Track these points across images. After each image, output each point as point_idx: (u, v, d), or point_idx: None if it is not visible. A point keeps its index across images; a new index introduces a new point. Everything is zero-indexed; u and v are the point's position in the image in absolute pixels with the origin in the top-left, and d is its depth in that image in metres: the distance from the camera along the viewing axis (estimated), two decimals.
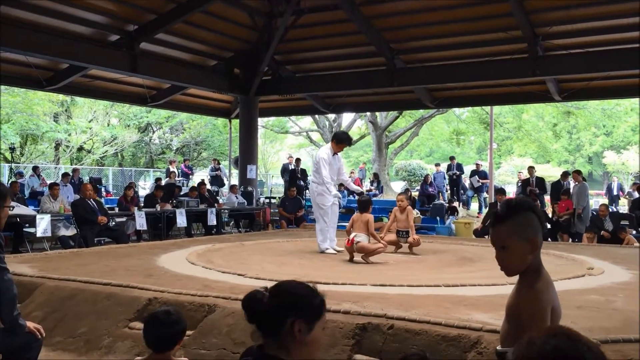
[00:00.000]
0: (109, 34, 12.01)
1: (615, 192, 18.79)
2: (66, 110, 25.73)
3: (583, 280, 5.57)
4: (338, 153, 7.97)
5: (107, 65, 11.92)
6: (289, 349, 1.69)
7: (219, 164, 19.16)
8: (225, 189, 18.12)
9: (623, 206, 18.89)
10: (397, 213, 7.92)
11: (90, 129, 25.40)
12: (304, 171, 17.02)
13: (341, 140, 7.94)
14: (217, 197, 15.38)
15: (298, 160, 17.15)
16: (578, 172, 12.47)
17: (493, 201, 12.54)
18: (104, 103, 23.84)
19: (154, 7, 11.73)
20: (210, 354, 3.93)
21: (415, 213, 14.20)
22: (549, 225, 11.95)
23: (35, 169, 16.49)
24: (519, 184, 15.68)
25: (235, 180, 17.27)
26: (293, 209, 12.87)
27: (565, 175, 13.70)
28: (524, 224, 1.92)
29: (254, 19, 13.22)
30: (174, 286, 4.92)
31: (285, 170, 17.59)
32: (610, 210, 12.91)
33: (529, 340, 1.31)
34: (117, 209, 11.33)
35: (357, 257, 6.85)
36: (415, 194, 17.38)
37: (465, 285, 5.11)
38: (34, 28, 10.52)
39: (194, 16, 12.16)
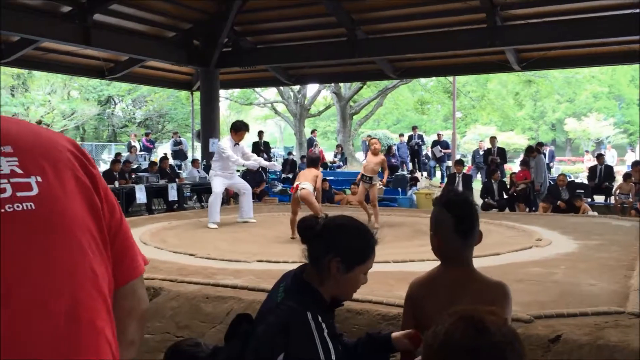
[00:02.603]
0: (60, 5, 11.59)
1: (547, 160, 18.18)
2: (23, 83, 25.01)
3: (530, 252, 5.69)
4: (239, 143, 8.05)
5: (59, 37, 11.55)
6: (323, 280, 1.78)
7: (179, 137, 18.92)
8: (188, 162, 17.93)
9: (581, 173, 19.24)
10: (369, 156, 7.82)
11: (49, 102, 24.76)
12: (267, 144, 16.93)
13: (238, 129, 8.02)
14: (180, 172, 15.23)
15: (261, 132, 17.02)
16: (531, 149, 12.57)
17: (452, 172, 12.67)
18: (63, 75, 23.23)
19: None
20: (154, 338, 3.92)
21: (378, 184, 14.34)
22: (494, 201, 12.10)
23: None
24: (481, 153, 15.88)
25: (198, 154, 17.09)
26: (254, 183, 12.75)
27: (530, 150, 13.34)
28: (434, 219, 1.93)
29: None
30: None
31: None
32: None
33: (434, 331, 1.27)
34: None
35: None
36: None
37: (414, 260, 5.16)
38: None
39: None
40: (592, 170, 13.38)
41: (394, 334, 2.05)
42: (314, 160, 7.15)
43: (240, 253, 5.57)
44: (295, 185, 6.82)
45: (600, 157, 13.77)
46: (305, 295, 1.78)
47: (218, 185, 7.89)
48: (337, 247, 1.77)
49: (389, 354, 2.07)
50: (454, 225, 1.86)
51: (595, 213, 10.14)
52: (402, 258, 5.23)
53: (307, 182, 6.69)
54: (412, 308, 2.01)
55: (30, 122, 1.10)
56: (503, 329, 1.19)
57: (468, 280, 1.87)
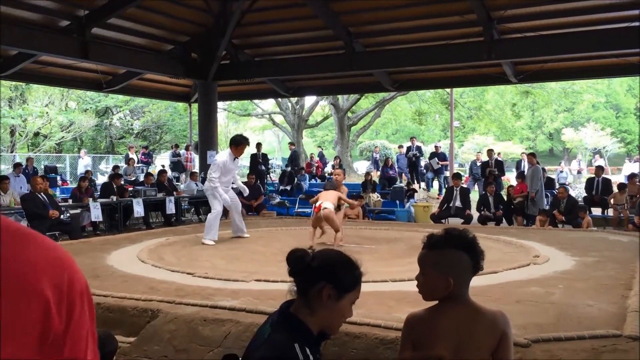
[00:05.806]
0: (59, 20, 11.65)
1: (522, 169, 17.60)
2: (21, 95, 25.03)
3: (527, 270, 5.69)
4: (238, 157, 8.12)
5: (57, 51, 11.58)
6: (314, 311, 1.77)
7: (178, 148, 18.91)
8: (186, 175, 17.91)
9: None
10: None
11: (46, 113, 24.77)
12: (265, 156, 16.92)
13: (239, 143, 8.00)
14: (178, 184, 15.21)
15: (259, 144, 17.02)
16: (532, 155, 12.62)
17: (450, 186, 12.66)
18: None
19: None
20: None
21: (376, 197, 14.32)
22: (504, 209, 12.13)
23: None
24: (478, 164, 15.88)
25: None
26: (252, 196, 12.75)
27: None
28: (449, 261, 1.86)
29: (208, 2, 12.98)
30: (120, 289, 4.87)
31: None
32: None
33: None
34: (70, 201, 11.10)
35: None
36: (377, 174, 17.47)
37: (412, 279, 5.14)
38: None
39: (147, 0, 11.88)
40: (589, 182, 13.38)
41: None
42: (335, 186, 7.51)
43: (238, 272, 5.57)
44: (318, 204, 7.07)
45: (599, 169, 13.70)
46: (293, 328, 1.78)
47: (219, 204, 7.88)
48: (328, 275, 1.79)
49: None
50: (472, 266, 1.88)
51: (595, 228, 10.13)
52: (400, 277, 5.22)
53: (328, 202, 7.04)
54: (411, 341, 1.98)
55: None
56: None
57: (475, 317, 1.87)
